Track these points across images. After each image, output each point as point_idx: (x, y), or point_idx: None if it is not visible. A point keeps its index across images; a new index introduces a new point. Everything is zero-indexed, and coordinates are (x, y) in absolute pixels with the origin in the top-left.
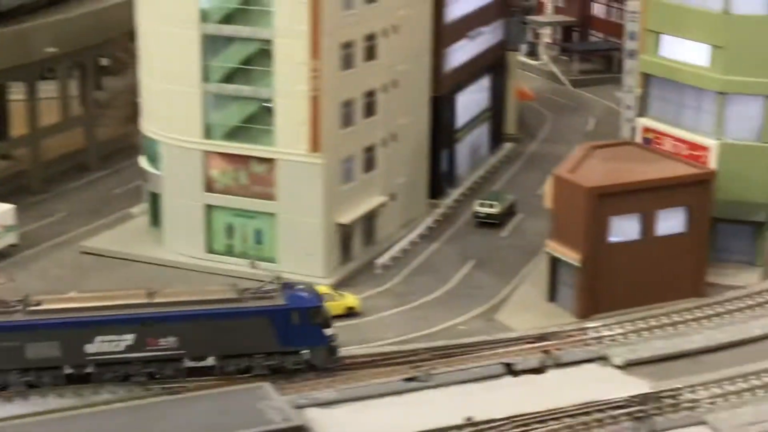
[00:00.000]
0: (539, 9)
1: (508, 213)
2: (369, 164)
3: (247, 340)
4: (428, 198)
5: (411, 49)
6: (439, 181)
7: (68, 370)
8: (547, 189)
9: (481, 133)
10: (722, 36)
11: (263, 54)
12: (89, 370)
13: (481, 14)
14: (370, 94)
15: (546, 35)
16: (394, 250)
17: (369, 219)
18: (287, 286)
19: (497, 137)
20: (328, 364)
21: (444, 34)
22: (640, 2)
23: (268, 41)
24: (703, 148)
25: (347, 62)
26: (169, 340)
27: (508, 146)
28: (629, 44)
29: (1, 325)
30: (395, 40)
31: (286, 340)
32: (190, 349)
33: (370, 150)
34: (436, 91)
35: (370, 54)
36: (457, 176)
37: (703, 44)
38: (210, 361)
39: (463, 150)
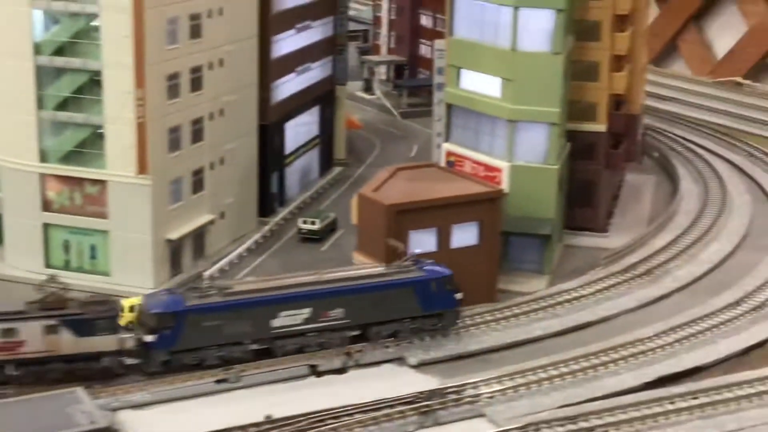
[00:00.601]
0: (375, 49)
1: (329, 229)
2: (197, 185)
3: (396, 308)
4: (258, 216)
5: (237, 81)
6: (269, 201)
7: (255, 345)
8: (353, 206)
9: (312, 158)
10: (510, 70)
11: (93, 83)
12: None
13: (309, 51)
14: (197, 122)
15: (380, 73)
16: (222, 263)
17: (198, 235)
18: (419, 261)
19: (327, 162)
20: (456, 324)
21: (271, 68)
22: (446, 41)
23: (97, 72)
24: (497, 170)
25: (173, 92)
26: (337, 312)
27: (337, 170)
28: (438, 78)
29: (205, 306)
30: (221, 72)
31: (427, 305)
32: (354, 318)
33: (198, 173)
34: (265, 120)
35: (197, 85)
36: (287, 196)
37: (495, 77)
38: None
39: (293, 173)
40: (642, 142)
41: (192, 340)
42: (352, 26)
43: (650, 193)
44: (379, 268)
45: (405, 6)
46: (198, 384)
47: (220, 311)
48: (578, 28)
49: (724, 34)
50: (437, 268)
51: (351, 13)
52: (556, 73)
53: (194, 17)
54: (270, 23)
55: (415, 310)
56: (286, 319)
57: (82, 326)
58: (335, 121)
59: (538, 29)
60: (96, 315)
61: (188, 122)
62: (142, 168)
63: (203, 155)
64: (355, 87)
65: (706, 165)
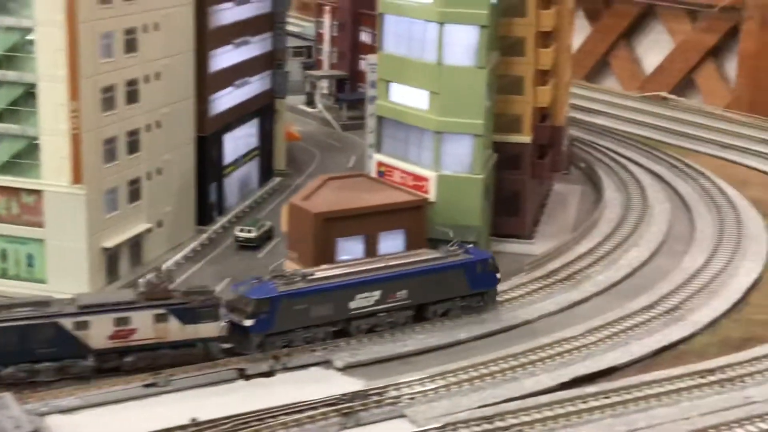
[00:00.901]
0: (318, 65)
1: (266, 237)
2: (134, 195)
3: (449, 288)
4: (196, 225)
5: (174, 94)
6: (208, 210)
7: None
8: (283, 215)
9: (251, 169)
10: (437, 84)
11: (29, 96)
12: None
13: (247, 66)
14: (134, 133)
15: (323, 87)
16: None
17: (135, 243)
18: (462, 245)
19: (267, 172)
20: (495, 302)
21: (208, 82)
22: (377, 55)
23: (32, 84)
24: (425, 179)
25: (108, 104)
26: (402, 293)
27: (277, 180)
28: (370, 91)
29: (295, 291)
30: (158, 85)
31: (474, 284)
32: (415, 298)
33: (134, 182)
34: (202, 132)
35: (133, 97)
36: (227, 206)
37: (422, 91)
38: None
39: (232, 183)
40: (570, 154)
41: (284, 323)
42: (297, 42)
43: (576, 202)
44: (434, 253)
45: (346, 23)
46: (127, 388)
47: (308, 295)
48: (503, 44)
49: (653, 51)
50: (480, 251)
51: (295, 29)
52: (480, 87)
53: (129, 32)
54: (207, 38)
55: (464, 289)
56: (361, 301)
57: (187, 314)
58: (275, 133)
59: (463, 44)
60: (200, 304)
61: (124, 134)
62: (76, 178)
63: (140, 166)
64: (299, 101)
65: (630, 175)
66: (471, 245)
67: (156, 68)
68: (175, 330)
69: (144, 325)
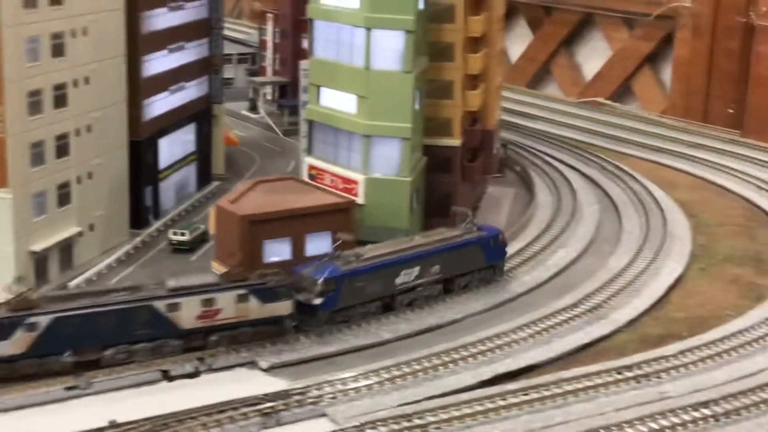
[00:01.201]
0: (262, 71)
1: (200, 240)
2: (64, 199)
3: (471, 262)
4: (131, 228)
5: (105, 99)
6: (142, 214)
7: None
8: (211, 217)
9: (189, 173)
10: (364, 88)
11: None
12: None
13: (183, 71)
14: (62, 137)
15: (266, 93)
16: (90, 274)
17: (66, 246)
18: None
19: (205, 176)
20: (503, 274)
21: (141, 86)
22: (308, 60)
23: None
24: (354, 182)
25: (35, 108)
26: (435, 268)
27: (215, 184)
28: (303, 97)
29: (356, 270)
30: (87, 90)
31: (489, 258)
32: (445, 273)
33: (64, 186)
34: (136, 136)
35: (61, 101)
36: (163, 209)
37: (351, 95)
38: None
39: (168, 187)
40: (504, 157)
41: (345, 301)
42: (241, 49)
43: (509, 205)
44: (454, 231)
45: (288, 30)
46: (48, 391)
47: (365, 273)
48: (433, 49)
49: (592, 58)
50: (490, 227)
51: (240, 37)
52: (407, 91)
53: (56, 36)
54: (139, 43)
55: (481, 262)
56: (404, 277)
57: (265, 294)
58: (213, 137)
59: (390, 49)
60: (276, 284)
61: (52, 138)
62: (2, 182)
63: (70, 169)
64: (243, 107)
65: (562, 178)
66: (483, 224)
67: (85, 73)
68: (255, 309)
69: (227, 305)
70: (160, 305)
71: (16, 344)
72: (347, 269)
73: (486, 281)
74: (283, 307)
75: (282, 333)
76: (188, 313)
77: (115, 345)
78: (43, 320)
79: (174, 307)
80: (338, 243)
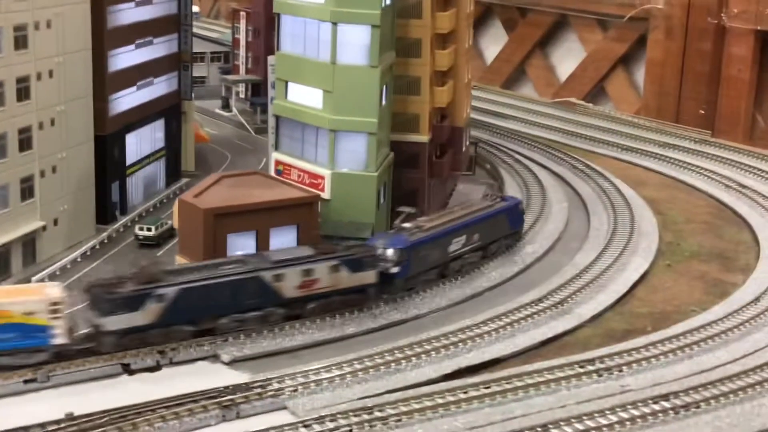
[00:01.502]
0: (235, 69)
1: (167, 236)
2: (27, 193)
3: (500, 229)
4: (97, 223)
5: (70, 93)
6: (109, 209)
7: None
8: (175, 211)
9: (157, 169)
10: (331, 83)
11: None
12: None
13: (151, 66)
14: (25, 131)
15: (239, 91)
16: (53, 268)
17: (29, 241)
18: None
19: (174, 173)
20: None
21: (108, 81)
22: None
23: None
24: (321, 177)
25: None
26: (476, 236)
27: (184, 181)
28: (271, 92)
29: (421, 240)
30: (51, 83)
31: (512, 225)
32: (482, 240)
33: (27, 180)
34: (102, 131)
35: (24, 94)
36: (131, 205)
37: (317, 90)
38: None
39: (137, 182)
40: (475, 155)
41: (414, 269)
42: (215, 48)
43: None
44: (486, 202)
45: (260, 28)
46: (5, 384)
47: (428, 243)
48: (401, 45)
49: (566, 59)
50: (510, 197)
51: (213, 35)
52: (373, 86)
53: (19, 28)
54: (105, 38)
55: (507, 229)
56: (455, 245)
57: (355, 264)
58: (183, 134)
59: (356, 44)
60: (362, 255)
61: (15, 131)
62: None
63: (33, 163)
64: (216, 105)
65: (532, 176)
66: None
67: (49, 66)
68: (345, 278)
69: (323, 275)
70: (267, 276)
71: (146, 315)
72: (415, 239)
73: (509, 246)
74: (369, 276)
75: (367, 300)
76: (290, 283)
77: (228, 314)
78: (171, 292)
79: (279, 278)
80: (404, 215)
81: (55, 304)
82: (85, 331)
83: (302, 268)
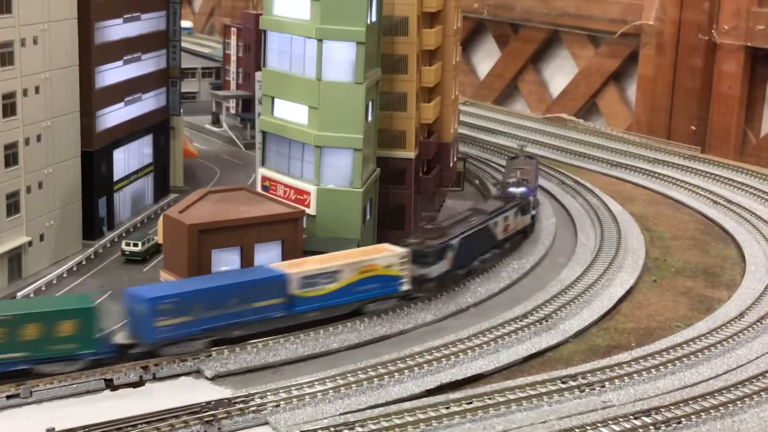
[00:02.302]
0: (226, 85)
1: (154, 251)
2: (12, 208)
3: (523, 220)
4: (84, 239)
5: (57, 109)
6: (96, 225)
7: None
8: (159, 226)
9: (145, 184)
10: (316, 99)
11: None
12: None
13: (139, 82)
14: (11, 146)
15: (229, 107)
16: (39, 284)
17: (15, 256)
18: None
19: (162, 188)
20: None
21: (95, 97)
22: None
23: None
24: (307, 193)
25: None
26: (520, 219)
27: (173, 196)
28: (258, 108)
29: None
30: (38, 99)
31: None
32: (515, 228)
33: (13, 196)
34: (89, 146)
35: (10, 110)
36: (119, 220)
37: (303, 106)
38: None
39: (124, 198)
40: (464, 170)
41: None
42: (205, 63)
43: None
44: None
45: (251, 44)
46: None
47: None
48: (387, 62)
49: (558, 75)
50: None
51: (205, 51)
52: (359, 102)
53: (5, 45)
54: (93, 54)
55: (528, 219)
56: (497, 232)
57: (523, 210)
58: (171, 150)
59: (341, 60)
60: (524, 203)
61: (1, 146)
62: None
63: (19, 179)
64: (206, 120)
65: None
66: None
67: (36, 82)
68: (520, 221)
69: (511, 220)
70: (491, 224)
71: (448, 262)
72: (532, 187)
73: (526, 235)
74: (527, 219)
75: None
76: (500, 229)
77: (477, 257)
78: (456, 242)
79: (496, 225)
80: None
81: (403, 258)
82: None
83: (504, 215)
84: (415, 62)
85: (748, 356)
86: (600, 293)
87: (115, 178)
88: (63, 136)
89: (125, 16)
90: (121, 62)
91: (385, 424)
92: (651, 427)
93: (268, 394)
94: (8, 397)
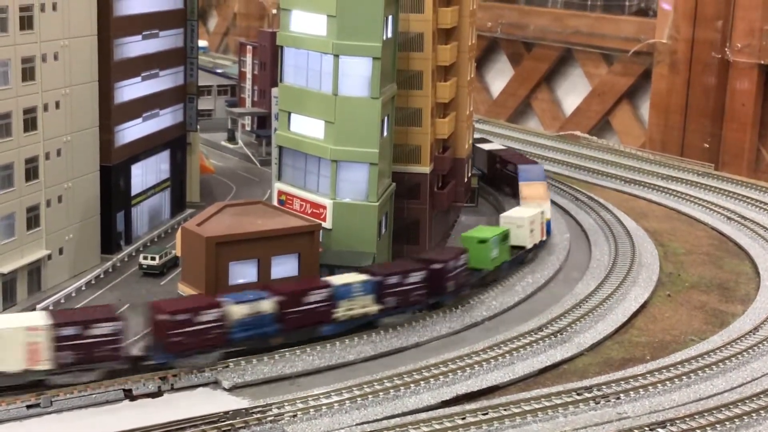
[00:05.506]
0: (241, 102)
1: (171, 265)
2: (33, 222)
3: None
4: (102, 252)
5: (77, 124)
6: (114, 239)
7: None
8: (178, 239)
9: (162, 199)
10: (332, 114)
11: None
12: None
13: (157, 98)
14: (32, 161)
15: (245, 123)
16: (58, 296)
17: (35, 269)
18: None
19: (179, 203)
20: None
21: (114, 112)
22: (279, 87)
23: None
24: (323, 207)
25: (4, 131)
26: None
27: (189, 212)
28: (275, 123)
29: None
30: (58, 114)
31: None
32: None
33: (33, 209)
34: (107, 161)
35: (31, 125)
36: (136, 235)
37: (319, 120)
38: None
39: (141, 212)
40: (478, 186)
41: None
42: (221, 81)
43: None
44: None
45: (266, 62)
46: (7, 409)
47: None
48: (403, 77)
49: (572, 93)
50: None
51: (219, 69)
52: (374, 117)
53: (27, 60)
54: (112, 70)
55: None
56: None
57: None
58: (188, 165)
59: (357, 76)
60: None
61: (21, 161)
62: None
63: (39, 193)
64: (222, 137)
65: None
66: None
67: (56, 97)
68: None
69: None
70: None
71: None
72: None
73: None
74: None
75: None
76: None
77: None
78: None
79: None
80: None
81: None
82: None
83: None
84: (431, 78)
85: (763, 369)
86: (614, 307)
87: (133, 192)
88: (82, 151)
89: (144, 33)
90: (139, 78)
91: None
92: None
93: (286, 404)
94: (28, 407)
